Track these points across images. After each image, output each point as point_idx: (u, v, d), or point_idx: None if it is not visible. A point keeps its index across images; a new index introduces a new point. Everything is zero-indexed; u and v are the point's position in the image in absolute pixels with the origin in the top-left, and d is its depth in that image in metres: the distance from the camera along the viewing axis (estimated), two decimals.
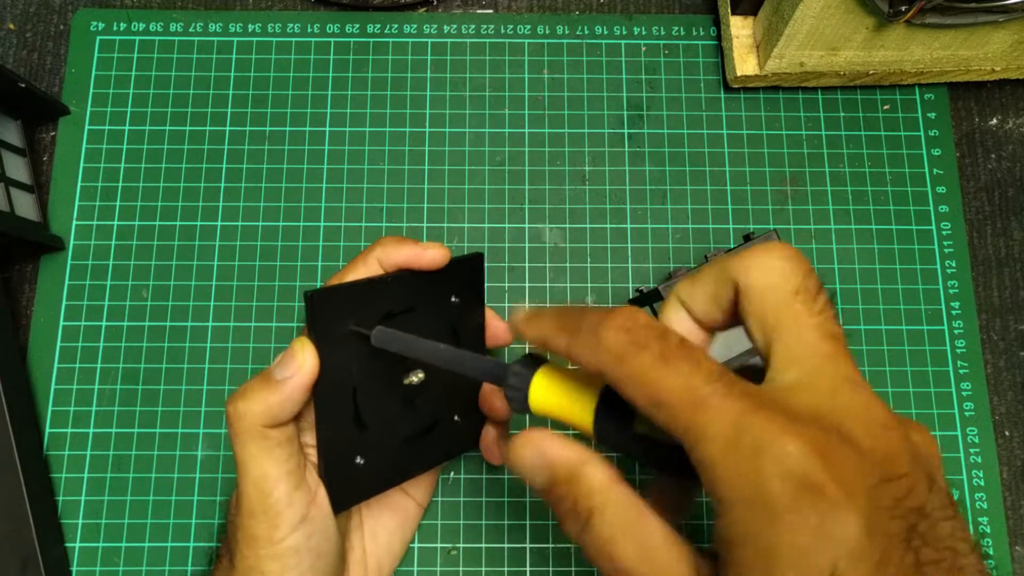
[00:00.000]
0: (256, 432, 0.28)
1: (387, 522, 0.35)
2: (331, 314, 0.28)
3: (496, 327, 0.34)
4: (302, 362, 0.27)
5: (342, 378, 0.29)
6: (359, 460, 0.30)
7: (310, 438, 0.30)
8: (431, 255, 0.31)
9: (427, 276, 0.31)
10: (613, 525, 0.21)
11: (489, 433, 0.35)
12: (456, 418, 0.34)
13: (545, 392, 0.25)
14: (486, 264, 0.43)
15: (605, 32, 0.47)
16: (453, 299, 0.32)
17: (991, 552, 0.40)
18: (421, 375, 0.31)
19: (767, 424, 0.19)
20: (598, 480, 0.22)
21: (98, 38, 0.46)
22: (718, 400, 0.20)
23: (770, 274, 0.22)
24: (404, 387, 0.31)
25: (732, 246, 0.38)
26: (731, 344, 0.34)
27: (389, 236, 0.32)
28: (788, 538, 0.18)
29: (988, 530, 0.40)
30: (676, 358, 0.21)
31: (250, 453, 0.28)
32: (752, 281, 0.22)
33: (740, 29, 0.44)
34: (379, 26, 0.46)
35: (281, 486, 0.28)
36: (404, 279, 0.31)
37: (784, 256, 0.22)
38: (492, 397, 0.34)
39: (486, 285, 0.43)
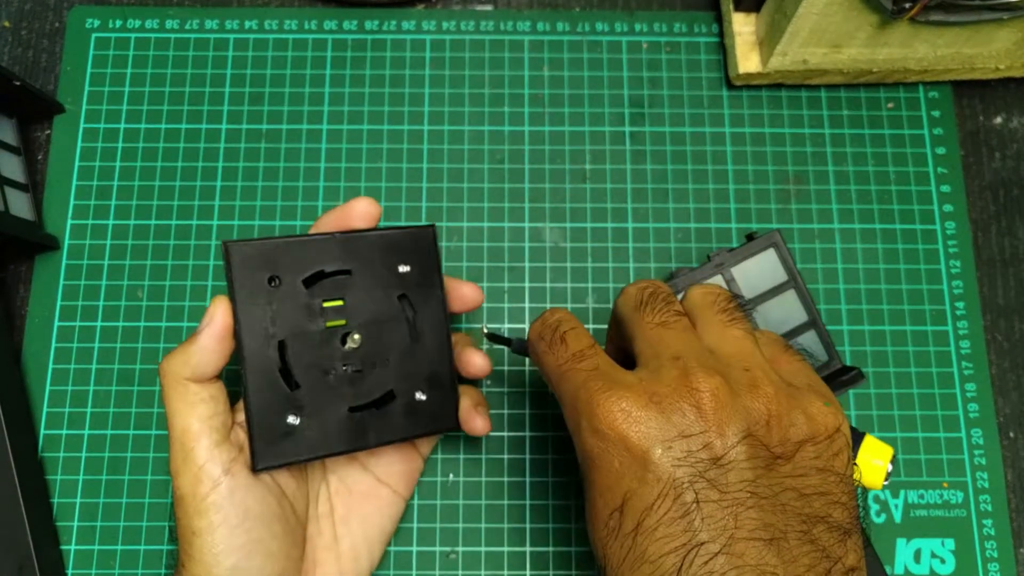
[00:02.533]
0: (179, 386, 0.29)
1: (361, 509, 0.35)
2: (249, 265, 0.30)
3: (463, 292, 0.35)
4: (213, 312, 0.30)
5: (266, 330, 0.30)
6: (292, 419, 0.31)
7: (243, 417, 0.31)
8: (358, 208, 0.33)
9: (367, 241, 0.32)
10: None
11: (464, 405, 0.34)
12: (420, 395, 0.33)
13: None
14: (485, 263, 0.43)
15: (606, 29, 0.46)
16: (402, 268, 0.33)
17: (995, 555, 0.40)
18: (357, 338, 0.32)
19: (592, 390, 0.25)
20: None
21: (93, 35, 0.45)
22: (570, 373, 0.27)
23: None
24: (344, 352, 0.32)
25: (735, 245, 0.38)
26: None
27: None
28: (596, 476, 0.25)
29: (993, 532, 0.40)
30: (556, 344, 0.28)
31: (175, 408, 0.29)
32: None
33: (742, 26, 0.44)
34: (377, 22, 0.46)
35: (203, 440, 0.29)
36: (335, 240, 0.32)
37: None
38: (469, 355, 0.34)
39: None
